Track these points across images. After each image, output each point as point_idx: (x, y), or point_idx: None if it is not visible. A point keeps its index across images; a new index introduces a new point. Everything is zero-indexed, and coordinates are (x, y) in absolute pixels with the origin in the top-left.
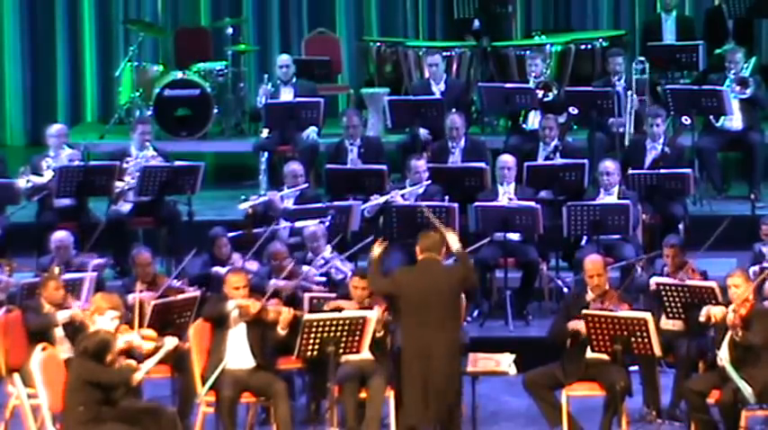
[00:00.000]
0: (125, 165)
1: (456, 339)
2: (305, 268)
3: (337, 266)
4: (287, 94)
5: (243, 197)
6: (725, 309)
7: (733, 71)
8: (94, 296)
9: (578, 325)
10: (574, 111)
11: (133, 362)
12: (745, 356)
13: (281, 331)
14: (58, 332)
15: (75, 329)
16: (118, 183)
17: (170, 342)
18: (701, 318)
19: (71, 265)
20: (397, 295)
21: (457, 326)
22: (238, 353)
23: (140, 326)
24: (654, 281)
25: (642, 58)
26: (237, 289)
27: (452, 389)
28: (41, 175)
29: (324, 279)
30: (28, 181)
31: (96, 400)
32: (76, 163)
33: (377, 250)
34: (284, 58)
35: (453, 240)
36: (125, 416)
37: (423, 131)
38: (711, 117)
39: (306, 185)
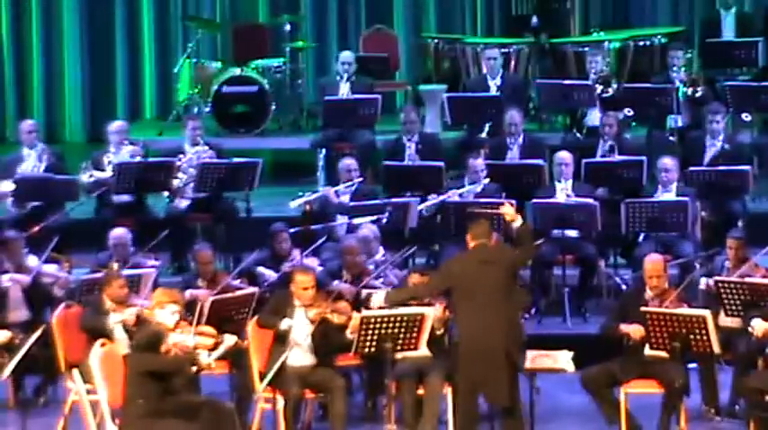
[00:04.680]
0: (178, 163)
1: (514, 320)
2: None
3: (387, 275)
4: (344, 91)
5: (300, 194)
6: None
7: None
8: (155, 291)
9: (630, 328)
10: (630, 113)
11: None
12: None
13: (350, 335)
14: (117, 330)
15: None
16: (173, 181)
17: (229, 339)
18: (754, 335)
19: (128, 263)
20: (452, 286)
21: (512, 307)
22: (301, 351)
23: (198, 323)
24: (705, 281)
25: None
26: (306, 289)
27: (513, 370)
28: (104, 170)
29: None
30: (90, 175)
31: (155, 394)
32: (137, 159)
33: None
34: (347, 55)
35: (510, 212)
36: (184, 411)
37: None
38: None
39: (360, 180)
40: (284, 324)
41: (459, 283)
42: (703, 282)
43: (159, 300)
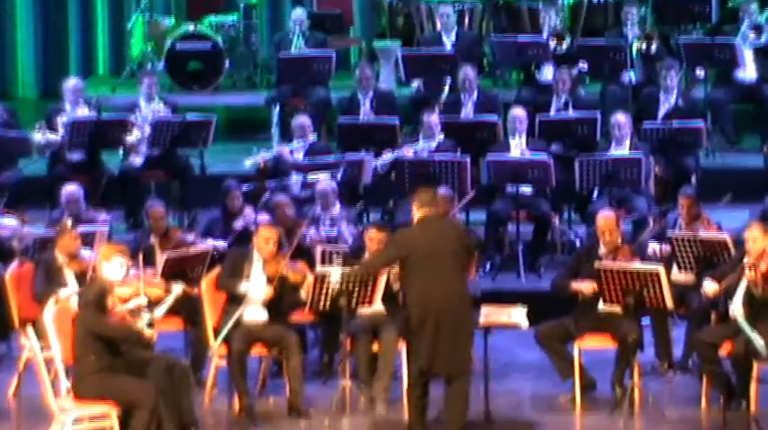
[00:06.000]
0: (133, 119)
1: (464, 291)
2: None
3: (341, 231)
4: (298, 47)
5: (254, 151)
6: (718, 285)
7: (747, 22)
8: (100, 246)
9: (581, 286)
10: (583, 66)
11: (148, 331)
12: (758, 310)
13: (304, 295)
14: (71, 284)
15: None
16: (127, 137)
17: (177, 288)
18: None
19: (81, 219)
20: (404, 257)
21: (463, 278)
22: (253, 307)
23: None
24: (653, 247)
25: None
26: (267, 242)
27: (464, 340)
28: (56, 131)
29: (333, 234)
30: (43, 134)
31: (106, 351)
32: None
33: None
34: (298, 13)
35: None
36: (137, 368)
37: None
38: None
39: (314, 137)
40: (242, 287)
41: (412, 254)
42: (651, 248)
43: (105, 253)
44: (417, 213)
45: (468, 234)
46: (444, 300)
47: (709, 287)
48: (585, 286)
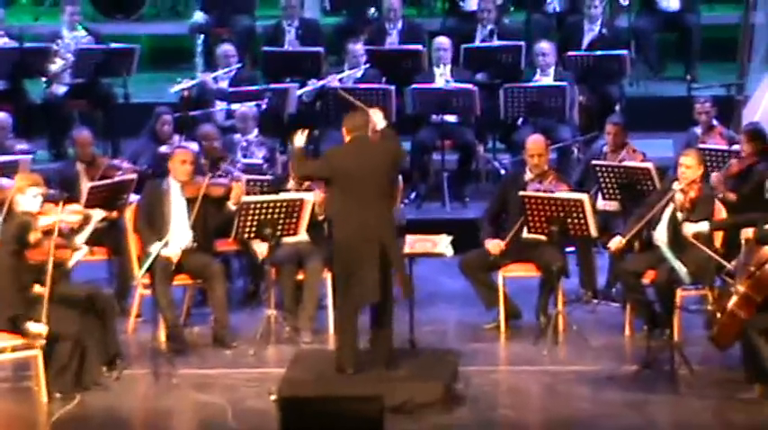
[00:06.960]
0: (56, 47)
1: (392, 214)
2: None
3: (253, 152)
4: None
5: (178, 80)
6: (622, 239)
7: None
8: (15, 177)
9: (491, 244)
10: None
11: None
12: (680, 237)
13: (233, 206)
14: None
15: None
16: (50, 66)
17: (97, 214)
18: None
19: (4, 149)
20: (332, 176)
21: (391, 202)
22: (177, 233)
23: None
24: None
25: None
26: (184, 162)
27: (394, 266)
28: None
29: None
30: None
31: (28, 286)
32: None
33: (299, 140)
34: None
35: (378, 118)
36: (60, 299)
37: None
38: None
39: (239, 65)
40: (153, 248)
41: (339, 175)
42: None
43: (19, 185)
44: (348, 136)
45: (398, 148)
46: (368, 225)
47: (614, 242)
48: (492, 246)
